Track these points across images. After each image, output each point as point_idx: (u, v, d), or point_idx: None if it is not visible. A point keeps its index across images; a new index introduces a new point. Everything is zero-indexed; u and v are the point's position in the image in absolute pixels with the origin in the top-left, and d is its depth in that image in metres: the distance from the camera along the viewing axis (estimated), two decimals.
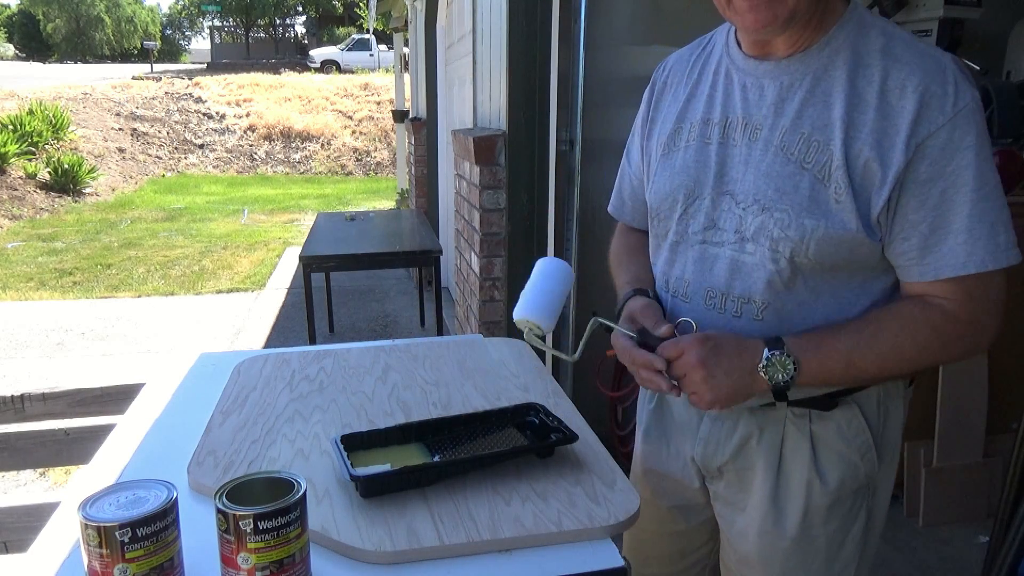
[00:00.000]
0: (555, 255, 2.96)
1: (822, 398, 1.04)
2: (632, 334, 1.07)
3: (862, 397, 1.05)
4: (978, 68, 2.62)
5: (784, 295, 1.00)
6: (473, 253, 3.35)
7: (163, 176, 14.07)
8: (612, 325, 1.08)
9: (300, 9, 39.61)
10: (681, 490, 1.26)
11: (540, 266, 1.09)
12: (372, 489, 1.10)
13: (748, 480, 1.13)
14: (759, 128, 1.00)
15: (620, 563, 0.99)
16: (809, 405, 1.05)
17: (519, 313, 1.09)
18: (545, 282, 1.07)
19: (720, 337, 0.99)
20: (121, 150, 14.18)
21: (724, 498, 1.18)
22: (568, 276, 1.08)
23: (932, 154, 0.91)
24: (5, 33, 41.00)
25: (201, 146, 15.60)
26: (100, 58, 36.32)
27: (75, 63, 31.71)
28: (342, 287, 5.96)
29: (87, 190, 11.69)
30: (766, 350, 0.96)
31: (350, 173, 15.17)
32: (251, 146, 15.86)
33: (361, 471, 1.11)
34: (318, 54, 26.91)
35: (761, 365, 0.96)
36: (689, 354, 0.98)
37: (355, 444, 1.20)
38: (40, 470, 3.19)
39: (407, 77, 8.19)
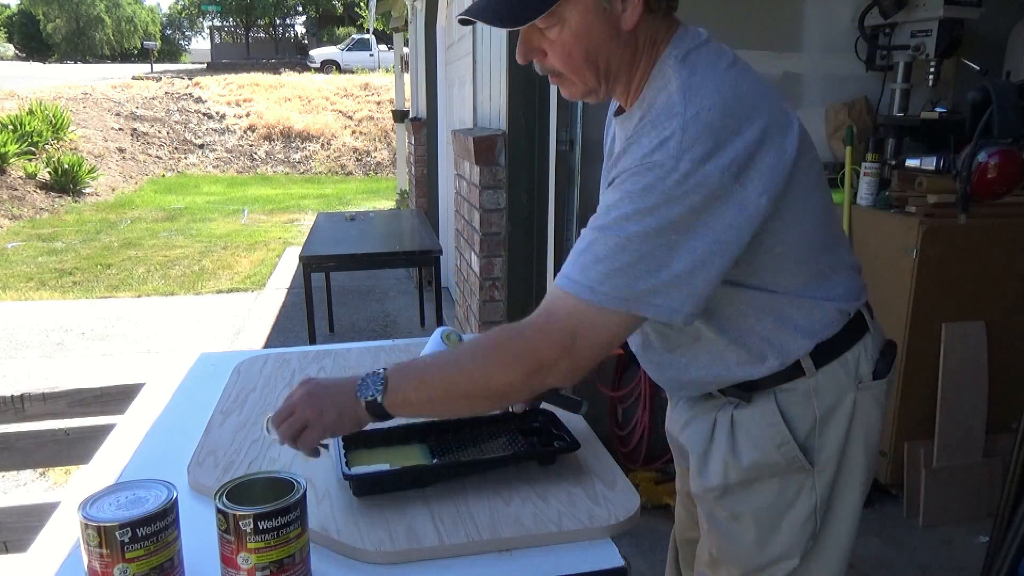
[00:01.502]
0: (555, 255, 2.96)
1: (742, 388, 1.10)
2: None
3: (783, 392, 1.09)
4: (978, 68, 2.62)
5: None
6: (473, 253, 3.35)
7: (163, 176, 14.07)
8: None
9: (300, 9, 39.58)
10: (682, 455, 1.33)
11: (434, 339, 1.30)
12: (364, 488, 1.10)
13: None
14: (613, 168, 1.10)
15: (620, 563, 0.99)
16: (733, 394, 1.12)
17: None
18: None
19: (321, 380, 1.09)
20: (121, 150, 14.18)
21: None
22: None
23: (611, 190, 0.98)
24: (5, 33, 40.97)
25: (201, 146, 15.60)
26: (100, 58, 36.28)
27: (75, 63, 31.69)
28: (342, 287, 5.95)
29: (87, 190, 11.69)
30: (367, 372, 1.04)
31: (350, 173, 15.16)
32: (251, 146, 15.85)
33: (355, 471, 1.11)
34: (318, 54, 26.88)
35: (357, 385, 1.03)
36: (301, 407, 1.04)
37: (357, 443, 1.20)
38: (40, 470, 3.18)
39: (407, 77, 8.19)
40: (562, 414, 1.31)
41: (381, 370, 1.03)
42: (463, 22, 1.08)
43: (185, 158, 15.13)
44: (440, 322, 4.04)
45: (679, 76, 0.98)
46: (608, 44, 1.01)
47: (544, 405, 1.31)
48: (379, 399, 1.01)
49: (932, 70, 2.72)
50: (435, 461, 1.21)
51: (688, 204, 0.91)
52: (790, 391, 1.08)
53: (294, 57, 29.64)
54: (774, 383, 1.08)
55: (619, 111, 1.12)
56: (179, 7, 45.09)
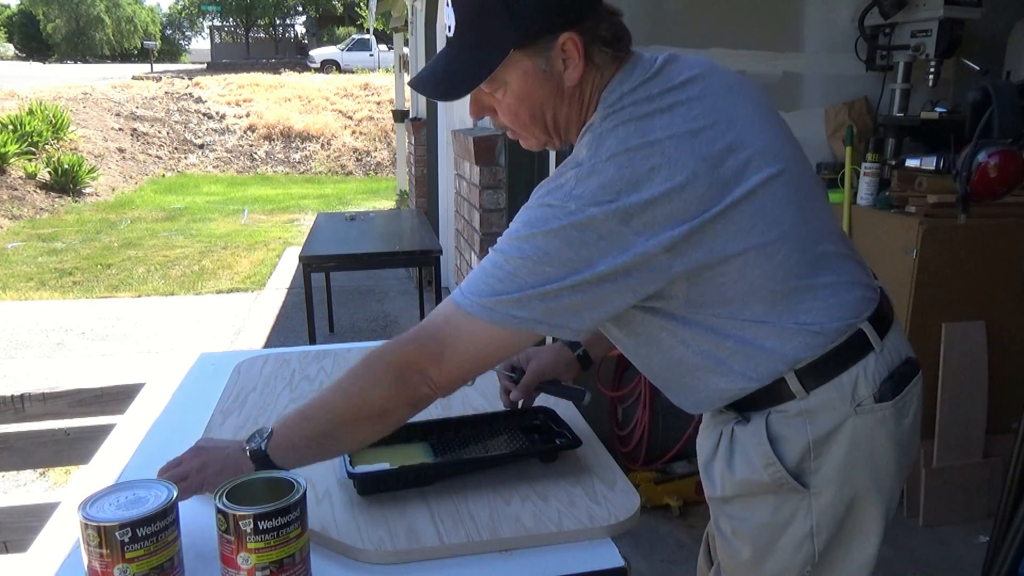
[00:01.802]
0: None
1: (738, 408, 1.10)
2: (511, 375, 1.31)
3: (776, 414, 1.06)
4: (978, 68, 2.62)
5: None
6: (473, 253, 3.36)
7: (163, 176, 14.07)
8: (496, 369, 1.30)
9: (300, 9, 39.59)
10: None
11: None
12: (368, 487, 1.10)
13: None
14: None
15: (620, 563, 0.99)
16: (733, 412, 1.12)
17: None
18: None
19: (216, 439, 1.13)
20: (121, 150, 14.18)
21: None
22: None
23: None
24: (5, 33, 40.95)
25: (201, 146, 15.60)
26: (100, 58, 36.26)
27: (75, 63, 31.66)
28: (342, 287, 5.95)
29: (87, 190, 11.68)
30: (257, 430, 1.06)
31: (350, 173, 15.16)
32: (251, 146, 15.85)
33: (359, 469, 1.11)
34: (318, 54, 26.88)
35: (246, 439, 1.05)
36: (187, 455, 1.08)
37: None
38: (40, 470, 3.18)
39: (407, 77, 8.19)
40: (563, 412, 1.31)
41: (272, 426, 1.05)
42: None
43: (185, 158, 15.13)
44: None
45: (600, 125, 0.98)
46: (552, 102, 1.02)
47: (547, 399, 1.32)
48: (263, 446, 1.02)
49: (932, 70, 2.72)
50: (437, 459, 1.21)
51: (566, 239, 0.93)
52: (783, 413, 1.05)
53: (294, 57, 29.62)
54: (768, 404, 1.06)
55: None
56: (179, 7, 45.09)
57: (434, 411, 1.39)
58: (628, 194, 0.92)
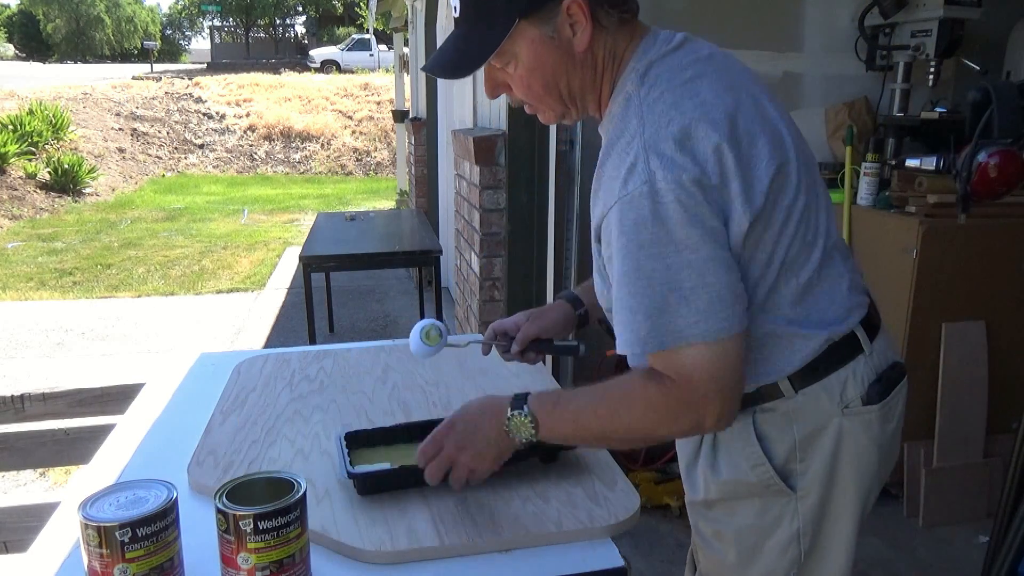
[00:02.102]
0: (555, 255, 2.95)
1: None
2: (489, 343, 1.32)
3: (762, 413, 1.06)
4: (978, 68, 2.62)
5: None
6: (473, 253, 3.36)
7: (163, 176, 14.07)
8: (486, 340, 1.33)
9: (300, 9, 39.59)
10: None
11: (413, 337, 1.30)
12: (368, 487, 1.10)
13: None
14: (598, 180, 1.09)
15: (620, 563, 0.99)
16: None
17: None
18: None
19: (464, 414, 1.09)
20: (121, 150, 14.17)
21: None
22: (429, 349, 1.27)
23: (606, 235, 0.97)
24: (5, 33, 40.93)
25: (201, 146, 15.59)
26: (100, 58, 36.24)
27: (75, 63, 31.66)
28: (342, 287, 5.95)
29: (87, 190, 11.69)
30: (509, 409, 1.04)
31: (350, 173, 15.16)
32: (251, 146, 15.85)
33: (359, 469, 1.11)
34: (318, 54, 26.90)
35: (506, 426, 1.04)
36: (447, 446, 1.07)
37: (359, 442, 1.20)
38: (40, 470, 3.18)
39: (407, 77, 8.19)
40: None
41: (524, 406, 1.03)
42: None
43: (185, 158, 15.13)
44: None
45: (638, 95, 0.98)
46: (565, 69, 1.02)
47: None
48: (534, 440, 1.04)
49: (932, 70, 2.72)
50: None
51: (679, 220, 0.90)
52: (769, 412, 1.05)
53: (294, 57, 29.62)
54: (754, 403, 1.06)
55: None
56: (179, 7, 45.08)
57: (435, 411, 1.39)
58: (697, 151, 0.91)
